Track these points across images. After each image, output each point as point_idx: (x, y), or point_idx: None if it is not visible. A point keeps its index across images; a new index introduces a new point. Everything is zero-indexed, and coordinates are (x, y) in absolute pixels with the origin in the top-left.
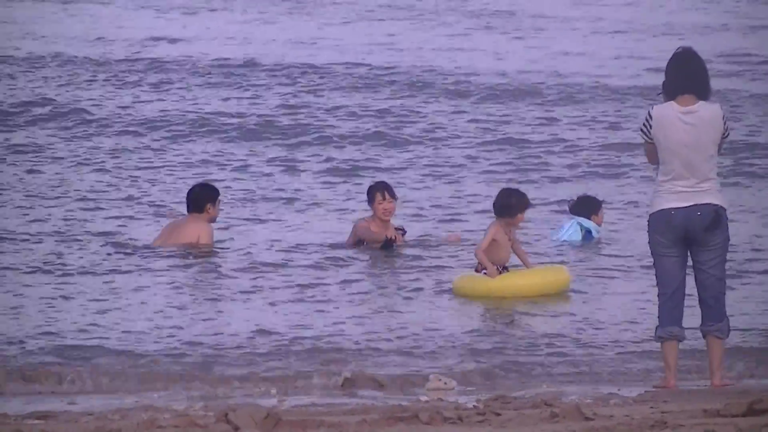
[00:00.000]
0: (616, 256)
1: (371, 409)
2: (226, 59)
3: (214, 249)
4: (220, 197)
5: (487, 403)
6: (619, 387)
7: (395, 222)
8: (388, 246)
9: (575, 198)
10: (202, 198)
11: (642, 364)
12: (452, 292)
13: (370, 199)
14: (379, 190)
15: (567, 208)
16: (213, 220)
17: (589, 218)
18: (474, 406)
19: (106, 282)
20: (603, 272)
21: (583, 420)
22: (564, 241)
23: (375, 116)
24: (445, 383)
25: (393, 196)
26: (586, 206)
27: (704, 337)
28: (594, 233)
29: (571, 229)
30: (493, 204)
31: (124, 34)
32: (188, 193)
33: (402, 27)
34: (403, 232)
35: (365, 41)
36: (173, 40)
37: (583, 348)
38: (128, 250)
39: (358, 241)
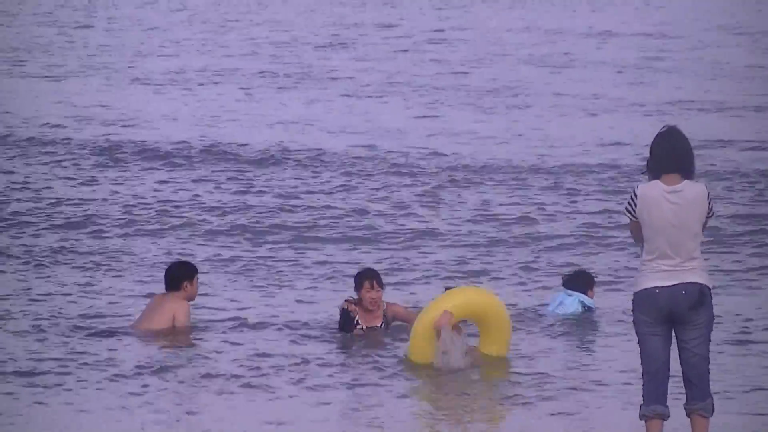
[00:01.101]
0: (604, 333)
1: None
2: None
3: (192, 327)
4: (198, 275)
5: None
6: None
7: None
8: (347, 322)
9: (570, 273)
10: (179, 276)
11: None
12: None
13: (358, 286)
14: (368, 278)
15: (561, 283)
16: (191, 298)
17: (585, 293)
18: None
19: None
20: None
21: None
22: (563, 315)
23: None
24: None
25: (381, 285)
26: (581, 281)
27: (688, 415)
28: (593, 309)
29: (572, 306)
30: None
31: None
32: (166, 272)
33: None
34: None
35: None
36: (129, 123)
37: (567, 422)
38: (105, 332)
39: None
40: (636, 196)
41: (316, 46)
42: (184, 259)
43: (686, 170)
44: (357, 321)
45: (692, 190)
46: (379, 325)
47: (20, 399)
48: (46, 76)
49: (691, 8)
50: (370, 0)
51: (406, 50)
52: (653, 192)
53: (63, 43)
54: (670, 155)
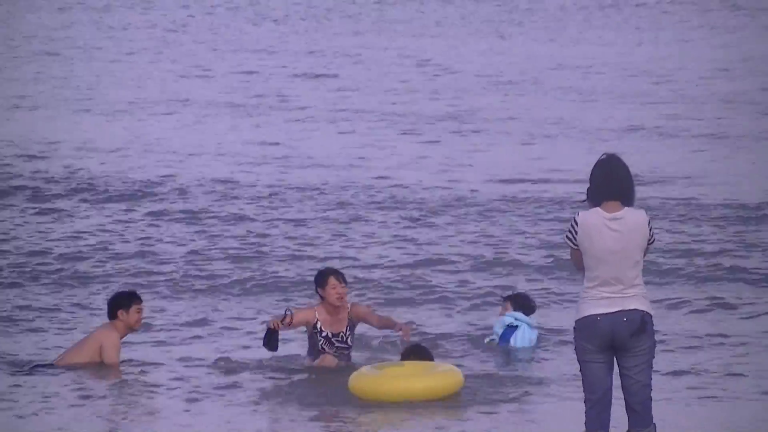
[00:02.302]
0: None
1: None
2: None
3: (117, 363)
4: (139, 305)
5: None
6: None
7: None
8: (271, 339)
9: (514, 293)
10: (114, 304)
11: None
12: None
13: (322, 284)
14: (333, 274)
15: (503, 301)
16: (129, 327)
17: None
18: None
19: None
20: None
21: None
22: (514, 346)
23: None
24: None
25: (345, 281)
26: (525, 305)
27: None
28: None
29: (526, 334)
30: None
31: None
32: (107, 300)
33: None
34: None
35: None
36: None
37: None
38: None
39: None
40: (576, 223)
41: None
42: (131, 288)
43: (626, 197)
44: (321, 329)
45: (633, 218)
46: (343, 331)
47: None
48: None
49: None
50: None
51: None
52: (594, 219)
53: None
54: (610, 182)
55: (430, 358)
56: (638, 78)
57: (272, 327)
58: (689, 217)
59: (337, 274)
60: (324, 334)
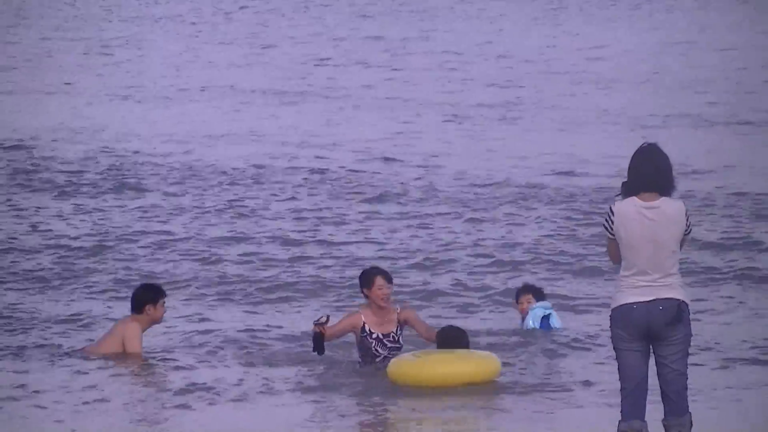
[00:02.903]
0: (577, 343)
1: None
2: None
3: (141, 353)
4: (164, 299)
5: None
6: None
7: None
8: (319, 343)
9: (527, 284)
10: (142, 298)
11: None
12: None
13: (368, 284)
14: (379, 274)
15: (520, 295)
16: (154, 321)
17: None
18: None
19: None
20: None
21: None
22: (550, 328)
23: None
24: None
25: (390, 280)
26: (541, 293)
27: (666, 431)
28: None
29: (557, 318)
30: None
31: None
32: (132, 293)
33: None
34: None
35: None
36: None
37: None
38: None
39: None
40: (613, 213)
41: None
42: (152, 281)
43: (664, 187)
44: (370, 331)
45: (670, 207)
46: (394, 331)
47: None
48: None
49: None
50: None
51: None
52: (630, 209)
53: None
54: (649, 172)
55: (466, 339)
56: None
57: (318, 332)
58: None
59: (383, 274)
60: (374, 335)
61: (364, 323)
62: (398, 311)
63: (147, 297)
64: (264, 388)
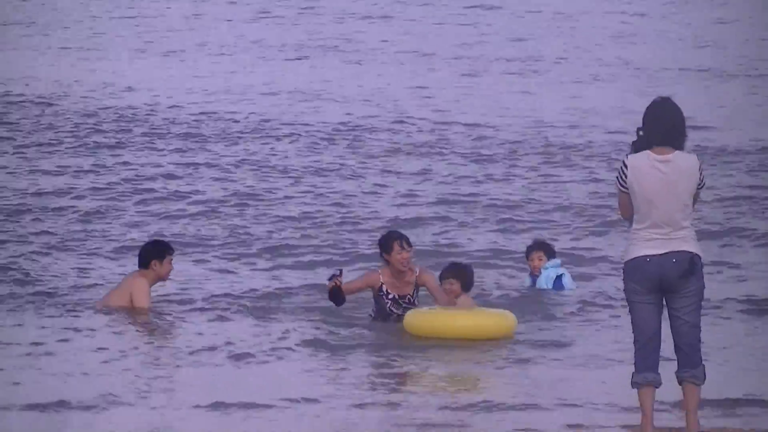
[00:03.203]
0: (591, 303)
1: None
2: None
3: (150, 308)
4: (171, 255)
5: None
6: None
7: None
8: (336, 295)
9: (539, 241)
10: (149, 254)
11: (618, 411)
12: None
13: (387, 249)
14: (397, 239)
15: (531, 252)
16: (160, 277)
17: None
18: None
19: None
20: (576, 318)
21: None
22: (563, 288)
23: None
24: None
25: (410, 245)
26: (552, 251)
27: (680, 383)
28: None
29: (567, 278)
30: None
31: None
32: (140, 249)
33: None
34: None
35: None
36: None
37: (559, 391)
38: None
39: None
40: (626, 166)
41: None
42: (160, 237)
43: (677, 141)
44: (387, 291)
45: (683, 161)
46: (410, 293)
47: None
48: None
49: None
50: None
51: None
52: (644, 162)
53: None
54: (663, 126)
55: (471, 277)
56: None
57: (334, 286)
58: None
59: (402, 239)
60: (391, 296)
61: (381, 283)
62: (417, 274)
63: (154, 253)
64: (276, 344)
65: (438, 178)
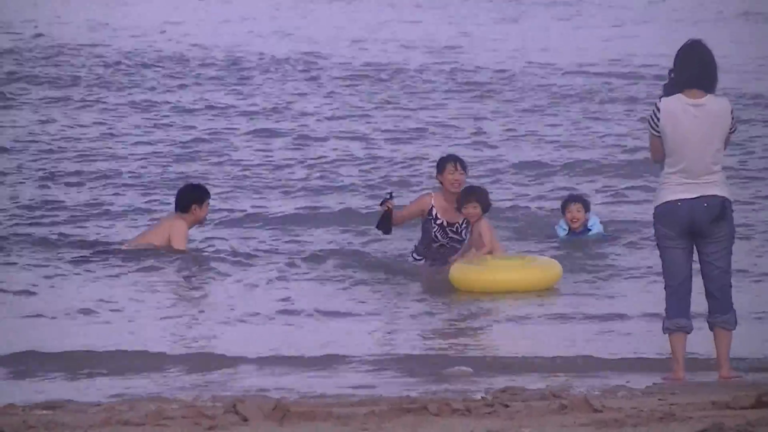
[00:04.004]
0: (619, 251)
1: (379, 400)
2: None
3: (187, 250)
4: (209, 200)
5: (495, 394)
6: (627, 379)
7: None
8: (385, 221)
9: (575, 194)
10: (189, 198)
11: (650, 356)
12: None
13: (440, 170)
14: (451, 161)
15: (569, 204)
16: (198, 221)
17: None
18: (482, 397)
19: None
20: (607, 265)
21: (592, 412)
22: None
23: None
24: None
25: (464, 168)
26: (587, 204)
27: (711, 329)
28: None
29: (597, 225)
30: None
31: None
32: (177, 192)
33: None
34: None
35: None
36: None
37: (590, 340)
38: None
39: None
40: (659, 109)
41: None
42: (197, 182)
43: (709, 84)
44: (437, 215)
45: (715, 104)
46: (459, 222)
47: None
48: None
49: None
50: None
51: None
52: (676, 105)
53: None
54: (694, 69)
55: (488, 198)
56: None
57: (387, 209)
58: None
59: (456, 160)
60: (439, 221)
61: (432, 207)
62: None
63: (193, 197)
64: (317, 290)
65: (475, 120)
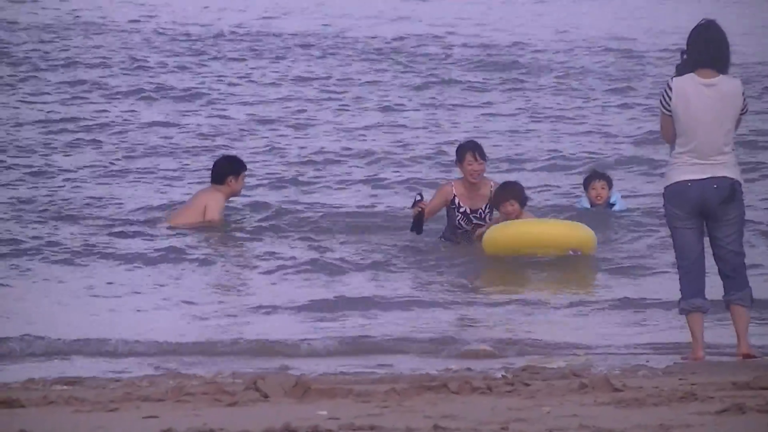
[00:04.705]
0: (637, 230)
1: (400, 378)
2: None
3: (225, 222)
4: (245, 172)
5: (516, 373)
6: (647, 359)
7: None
8: (419, 223)
9: (599, 171)
10: (225, 170)
11: (670, 335)
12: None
13: (460, 159)
14: (470, 150)
15: (594, 181)
16: (234, 193)
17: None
18: (503, 376)
19: (119, 263)
20: (625, 245)
21: (612, 391)
22: (619, 210)
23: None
24: (484, 350)
25: (483, 157)
26: (610, 181)
27: (727, 307)
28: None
29: (619, 201)
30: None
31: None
32: (213, 164)
33: None
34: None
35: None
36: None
37: (610, 318)
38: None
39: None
40: (671, 88)
41: None
42: (232, 153)
43: (722, 65)
44: (459, 204)
45: (728, 85)
46: (482, 208)
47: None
48: None
49: None
50: None
51: None
52: (688, 85)
53: None
54: (707, 49)
55: (524, 192)
56: None
57: (420, 210)
58: None
59: (475, 150)
60: (462, 209)
61: (454, 195)
62: (492, 187)
63: (230, 169)
64: (351, 267)
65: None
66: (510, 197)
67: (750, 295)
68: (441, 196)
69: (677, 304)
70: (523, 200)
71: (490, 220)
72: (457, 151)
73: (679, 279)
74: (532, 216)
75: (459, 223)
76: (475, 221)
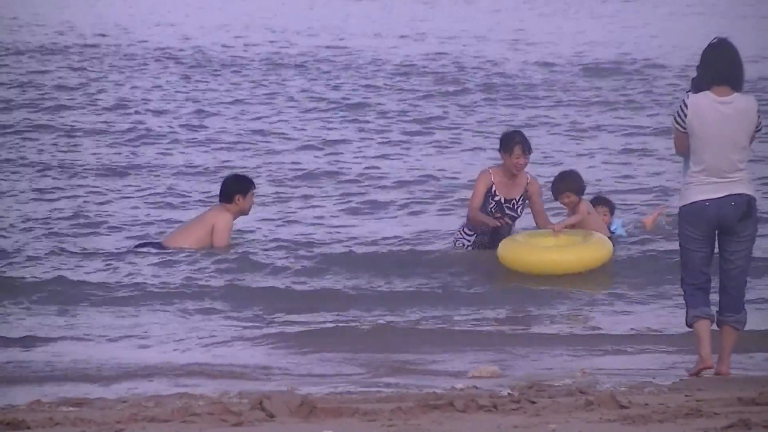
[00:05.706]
0: (644, 248)
1: (406, 396)
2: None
3: (229, 245)
4: (253, 190)
5: (522, 390)
6: (653, 375)
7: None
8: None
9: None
10: (232, 188)
11: (676, 353)
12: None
13: (507, 149)
14: (520, 143)
15: (607, 206)
16: (243, 212)
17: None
18: (509, 393)
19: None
20: (631, 264)
21: (618, 408)
22: (618, 235)
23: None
24: (490, 372)
25: (530, 150)
26: (612, 207)
27: (719, 325)
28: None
29: (618, 224)
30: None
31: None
32: (222, 182)
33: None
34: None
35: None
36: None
37: (617, 336)
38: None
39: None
40: (686, 105)
41: None
42: (241, 172)
43: (736, 82)
44: (495, 192)
45: (742, 102)
46: (516, 198)
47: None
48: None
49: None
50: None
51: None
52: (703, 102)
53: None
54: (722, 67)
55: (582, 180)
56: None
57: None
58: None
59: (524, 143)
60: (497, 198)
61: (492, 183)
62: (528, 180)
63: (238, 187)
64: (357, 291)
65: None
66: (565, 189)
67: (745, 318)
68: (483, 185)
69: (685, 318)
70: (579, 190)
71: (521, 212)
72: (503, 140)
73: (685, 295)
74: (588, 206)
75: (491, 210)
76: (507, 211)
